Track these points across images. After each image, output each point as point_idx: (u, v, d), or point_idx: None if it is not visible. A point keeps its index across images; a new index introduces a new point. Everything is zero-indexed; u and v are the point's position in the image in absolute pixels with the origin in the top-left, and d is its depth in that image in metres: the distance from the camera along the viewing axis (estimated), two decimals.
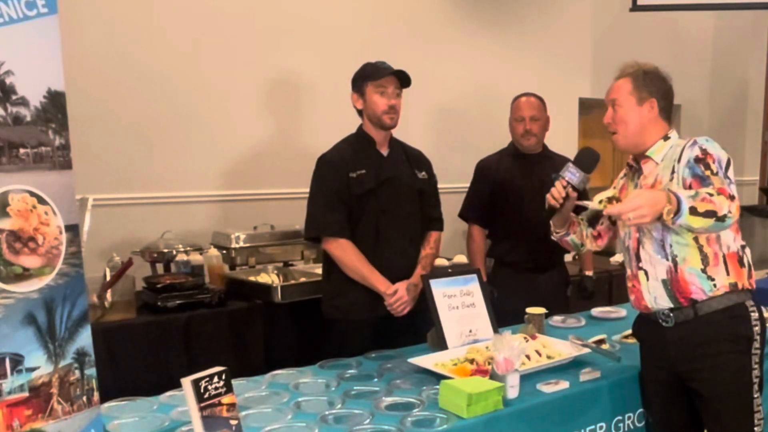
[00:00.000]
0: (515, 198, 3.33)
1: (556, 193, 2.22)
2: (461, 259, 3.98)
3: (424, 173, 2.90)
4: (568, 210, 2.31)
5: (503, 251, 3.42)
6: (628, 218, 1.85)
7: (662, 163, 2.15)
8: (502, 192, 3.37)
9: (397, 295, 2.66)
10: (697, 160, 2.04)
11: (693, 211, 1.83)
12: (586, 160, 2.24)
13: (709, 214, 1.84)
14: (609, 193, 1.97)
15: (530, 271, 3.33)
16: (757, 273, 2.23)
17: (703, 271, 2.08)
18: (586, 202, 2.13)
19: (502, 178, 3.38)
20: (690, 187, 2.01)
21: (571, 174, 2.20)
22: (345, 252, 2.72)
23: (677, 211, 1.83)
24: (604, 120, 2.22)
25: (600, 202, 1.93)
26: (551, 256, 3.38)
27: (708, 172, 1.99)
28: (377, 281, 2.69)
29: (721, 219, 1.85)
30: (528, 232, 3.24)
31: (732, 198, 1.89)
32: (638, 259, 2.17)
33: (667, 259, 2.10)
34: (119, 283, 3.02)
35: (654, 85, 2.18)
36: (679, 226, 1.93)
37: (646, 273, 2.16)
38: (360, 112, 2.81)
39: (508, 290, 3.24)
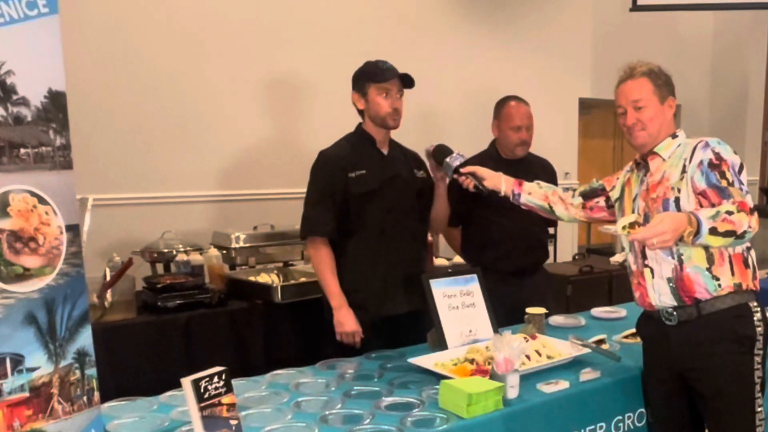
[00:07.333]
0: (496, 203, 3.22)
1: (470, 184, 2.59)
2: (461, 259, 3.98)
3: (422, 172, 2.90)
4: (492, 183, 2.59)
5: (484, 257, 3.33)
6: (653, 243, 1.88)
7: (669, 161, 2.16)
8: (484, 197, 3.26)
9: (348, 334, 2.64)
10: (712, 165, 2.05)
11: (713, 231, 1.88)
12: (442, 150, 2.69)
13: (729, 233, 1.89)
14: (632, 218, 2.00)
15: (512, 276, 3.22)
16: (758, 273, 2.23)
17: (708, 270, 2.08)
18: (609, 227, 2.15)
19: None
20: (703, 194, 2.04)
21: (456, 159, 2.63)
22: (317, 252, 2.70)
23: (697, 233, 1.88)
24: (627, 122, 2.17)
25: (623, 228, 1.97)
26: (533, 261, 3.33)
27: (725, 182, 2.02)
28: (332, 294, 2.65)
29: (741, 236, 1.91)
30: (509, 237, 3.19)
31: (752, 212, 1.92)
32: (644, 256, 2.18)
33: (673, 258, 2.11)
34: (119, 283, 3.01)
35: (670, 83, 2.20)
36: (699, 245, 1.96)
37: (651, 270, 2.16)
38: (360, 112, 2.77)
39: (491, 295, 3.17)
